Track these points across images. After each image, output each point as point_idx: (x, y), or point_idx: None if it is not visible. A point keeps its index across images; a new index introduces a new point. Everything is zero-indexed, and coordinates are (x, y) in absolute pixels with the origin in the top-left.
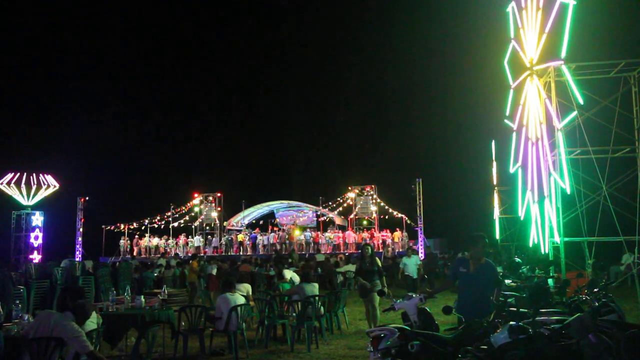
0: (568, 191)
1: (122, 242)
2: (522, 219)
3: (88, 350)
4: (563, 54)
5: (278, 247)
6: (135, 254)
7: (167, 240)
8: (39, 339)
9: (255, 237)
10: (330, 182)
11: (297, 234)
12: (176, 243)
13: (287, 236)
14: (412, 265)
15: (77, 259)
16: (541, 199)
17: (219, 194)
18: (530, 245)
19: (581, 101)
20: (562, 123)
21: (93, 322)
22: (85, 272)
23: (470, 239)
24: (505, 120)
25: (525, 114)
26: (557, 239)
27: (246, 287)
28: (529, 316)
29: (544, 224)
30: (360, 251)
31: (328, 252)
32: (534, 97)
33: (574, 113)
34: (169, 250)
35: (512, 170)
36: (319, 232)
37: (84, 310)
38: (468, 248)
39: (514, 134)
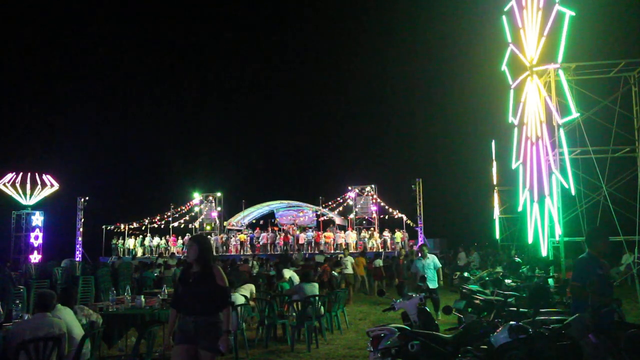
0: (573, 192)
1: (120, 241)
2: (519, 210)
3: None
4: (559, 59)
5: (269, 247)
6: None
7: (167, 240)
8: (37, 339)
9: (258, 238)
10: (330, 182)
11: (297, 233)
12: (179, 242)
13: (284, 235)
14: (425, 269)
15: (77, 259)
16: (541, 198)
17: (219, 194)
18: (530, 242)
19: (574, 110)
20: (563, 119)
21: (77, 325)
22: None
23: (596, 233)
24: (510, 119)
25: (526, 113)
26: (557, 234)
27: (250, 287)
28: (529, 316)
29: (543, 223)
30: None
31: (329, 251)
32: (534, 95)
33: (575, 115)
34: (169, 250)
35: (513, 166)
36: (319, 232)
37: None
38: (590, 244)
39: (515, 130)
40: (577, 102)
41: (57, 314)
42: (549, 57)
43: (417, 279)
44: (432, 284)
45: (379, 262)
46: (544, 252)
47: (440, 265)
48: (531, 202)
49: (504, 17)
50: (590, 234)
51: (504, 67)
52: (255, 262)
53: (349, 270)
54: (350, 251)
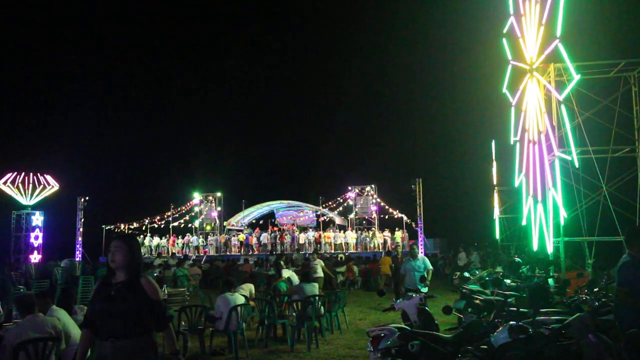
0: (577, 164)
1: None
2: (523, 224)
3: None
4: (558, 32)
5: (269, 247)
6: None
7: (167, 240)
8: (36, 340)
9: (257, 237)
10: (330, 182)
11: (296, 234)
12: (179, 242)
13: (279, 236)
14: (416, 272)
15: (77, 259)
16: (544, 196)
17: (219, 194)
18: (535, 249)
19: (574, 73)
20: (562, 95)
21: (73, 324)
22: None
23: (636, 232)
24: (512, 139)
25: (528, 117)
26: (562, 217)
27: (249, 287)
28: (529, 316)
29: (548, 222)
30: None
31: (330, 251)
32: (534, 94)
33: (577, 77)
34: (169, 250)
35: (516, 183)
36: (320, 233)
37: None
38: (630, 244)
39: (517, 144)
40: (577, 103)
41: (55, 315)
42: (548, 45)
43: (407, 280)
44: (417, 285)
45: None
46: (549, 252)
47: (432, 268)
48: (535, 203)
49: (504, 40)
50: (630, 234)
51: (504, 90)
52: (282, 262)
53: (319, 274)
54: (351, 251)
